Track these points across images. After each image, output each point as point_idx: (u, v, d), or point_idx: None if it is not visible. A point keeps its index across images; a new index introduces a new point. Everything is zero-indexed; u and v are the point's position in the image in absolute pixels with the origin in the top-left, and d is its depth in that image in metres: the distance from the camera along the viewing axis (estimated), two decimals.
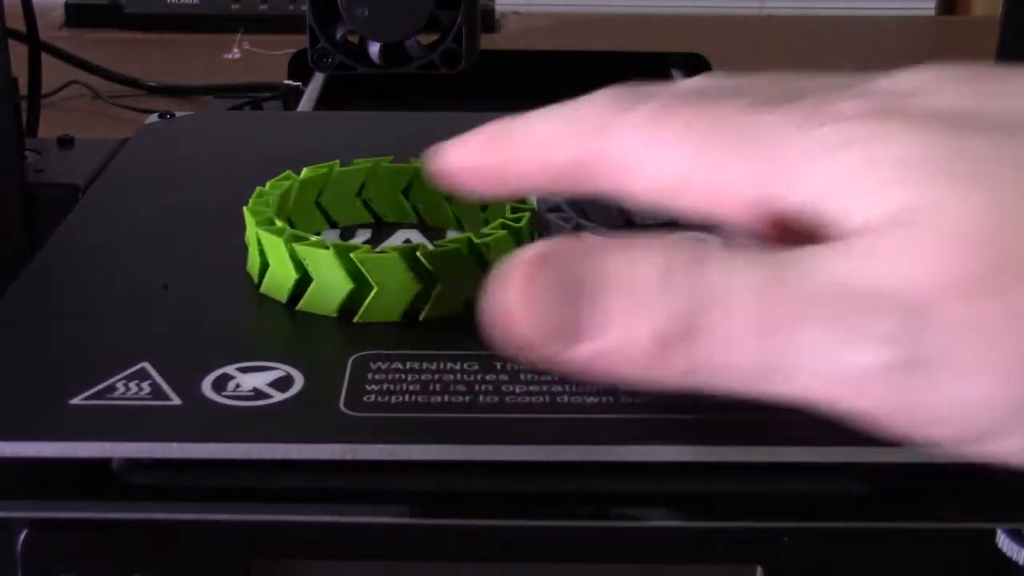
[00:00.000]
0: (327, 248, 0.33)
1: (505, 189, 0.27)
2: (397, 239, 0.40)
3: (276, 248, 0.34)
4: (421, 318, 0.33)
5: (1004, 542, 0.29)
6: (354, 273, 0.33)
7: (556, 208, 0.36)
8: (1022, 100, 0.22)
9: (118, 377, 0.30)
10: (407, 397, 0.30)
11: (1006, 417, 0.20)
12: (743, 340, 0.21)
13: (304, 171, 0.38)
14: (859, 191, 0.21)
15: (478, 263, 0.34)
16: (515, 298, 0.22)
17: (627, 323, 0.21)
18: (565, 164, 0.25)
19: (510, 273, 0.22)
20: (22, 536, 0.29)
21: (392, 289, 0.33)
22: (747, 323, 0.21)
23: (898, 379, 0.20)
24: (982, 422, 0.20)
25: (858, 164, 0.21)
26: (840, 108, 0.22)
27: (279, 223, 0.35)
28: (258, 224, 0.34)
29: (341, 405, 0.29)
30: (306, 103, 0.71)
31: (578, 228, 0.34)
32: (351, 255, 0.33)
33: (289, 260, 0.33)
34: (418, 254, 0.33)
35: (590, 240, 0.22)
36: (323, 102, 0.71)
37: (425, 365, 0.31)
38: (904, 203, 0.20)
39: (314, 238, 0.34)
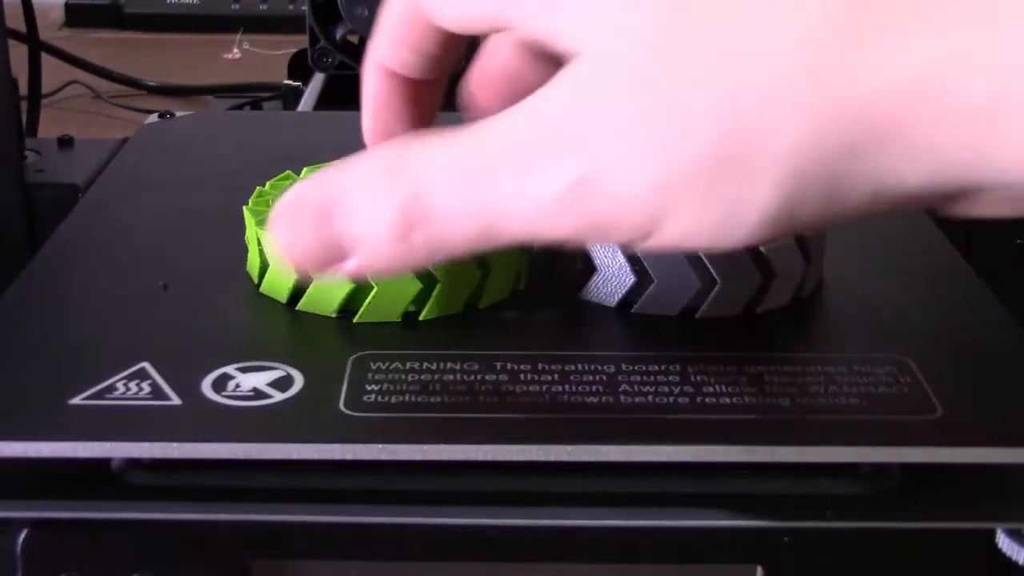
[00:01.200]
0: None
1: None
2: None
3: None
4: (421, 318, 0.33)
5: (1004, 542, 0.29)
6: None
7: None
8: None
9: (118, 377, 0.30)
10: (407, 397, 0.30)
11: (664, 201, 0.23)
12: (458, 210, 0.24)
13: (304, 171, 0.38)
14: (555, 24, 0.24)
15: (479, 264, 0.34)
16: (285, 242, 0.26)
17: (367, 233, 0.25)
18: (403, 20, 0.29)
19: (274, 221, 0.27)
20: (22, 536, 0.29)
21: (392, 289, 0.33)
22: (454, 194, 0.24)
23: (580, 194, 0.23)
24: (648, 211, 0.23)
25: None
26: None
27: None
28: (258, 224, 0.34)
29: (341, 405, 0.29)
30: (306, 103, 0.71)
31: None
32: None
33: None
34: None
35: (317, 176, 0.26)
36: (323, 102, 0.71)
37: (425, 365, 0.31)
38: (574, 42, 0.24)
39: None
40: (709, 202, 0.22)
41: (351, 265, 0.26)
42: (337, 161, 0.27)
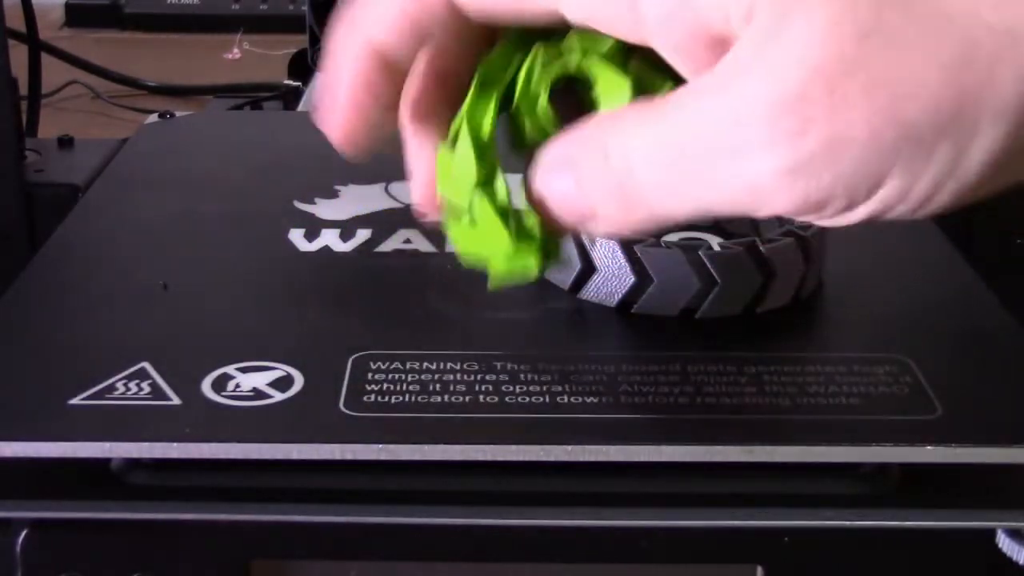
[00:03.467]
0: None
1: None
2: None
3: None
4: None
5: (1004, 542, 0.29)
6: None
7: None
8: None
9: (118, 377, 0.30)
10: (407, 397, 0.30)
11: (888, 165, 0.22)
12: (671, 192, 0.24)
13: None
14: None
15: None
16: (551, 190, 0.25)
17: (597, 205, 0.25)
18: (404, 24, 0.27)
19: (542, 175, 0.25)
20: (22, 536, 0.29)
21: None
22: (665, 175, 0.24)
23: (801, 168, 0.22)
24: (870, 178, 0.22)
25: None
26: None
27: None
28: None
29: (341, 405, 0.29)
30: (306, 103, 0.71)
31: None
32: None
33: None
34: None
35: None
36: None
37: (425, 365, 0.31)
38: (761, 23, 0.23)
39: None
40: (932, 160, 0.22)
41: (599, 229, 0.26)
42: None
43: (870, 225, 0.24)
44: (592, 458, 0.28)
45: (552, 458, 0.28)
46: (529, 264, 0.27)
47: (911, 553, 0.29)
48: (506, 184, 0.26)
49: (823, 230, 0.35)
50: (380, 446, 0.28)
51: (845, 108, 0.22)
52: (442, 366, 0.31)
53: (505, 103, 0.27)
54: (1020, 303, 0.35)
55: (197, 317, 0.34)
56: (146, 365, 0.31)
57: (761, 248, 0.33)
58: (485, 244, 0.26)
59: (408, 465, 0.28)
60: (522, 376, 0.30)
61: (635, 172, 0.24)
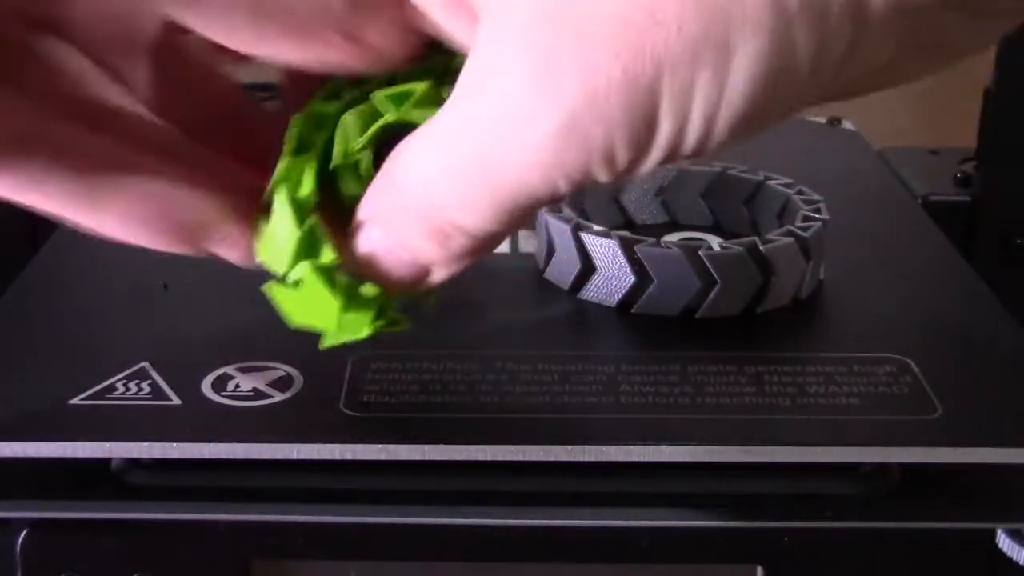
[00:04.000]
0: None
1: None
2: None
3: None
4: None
5: (1004, 542, 0.29)
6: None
7: (557, 210, 0.36)
8: None
9: (118, 377, 0.30)
10: (407, 397, 0.30)
11: (651, 101, 0.21)
12: (468, 198, 0.23)
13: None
14: None
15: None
16: (368, 247, 0.24)
17: (423, 254, 0.24)
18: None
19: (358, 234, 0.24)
20: (22, 536, 0.29)
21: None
22: (455, 185, 0.23)
23: (568, 127, 0.21)
24: (639, 118, 0.21)
25: None
26: None
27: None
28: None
29: (341, 405, 0.29)
30: None
31: (578, 228, 0.34)
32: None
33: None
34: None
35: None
36: None
37: (425, 365, 0.31)
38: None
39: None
40: (695, 91, 0.21)
41: (437, 277, 0.25)
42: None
43: (870, 225, 0.24)
44: (592, 458, 0.28)
45: (552, 458, 0.28)
46: (361, 329, 0.25)
47: (911, 553, 0.29)
48: (332, 247, 0.24)
49: (823, 230, 0.35)
50: (380, 446, 0.28)
51: (591, 51, 0.20)
52: (442, 366, 0.31)
53: (324, 163, 0.25)
54: (1020, 303, 0.35)
55: (197, 317, 0.34)
56: (146, 365, 0.31)
57: (761, 248, 0.34)
58: (312, 311, 0.25)
59: (408, 465, 0.28)
60: (522, 376, 0.30)
61: (434, 196, 0.23)
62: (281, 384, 0.30)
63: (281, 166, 0.25)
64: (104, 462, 0.29)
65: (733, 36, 0.20)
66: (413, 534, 0.29)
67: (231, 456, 0.28)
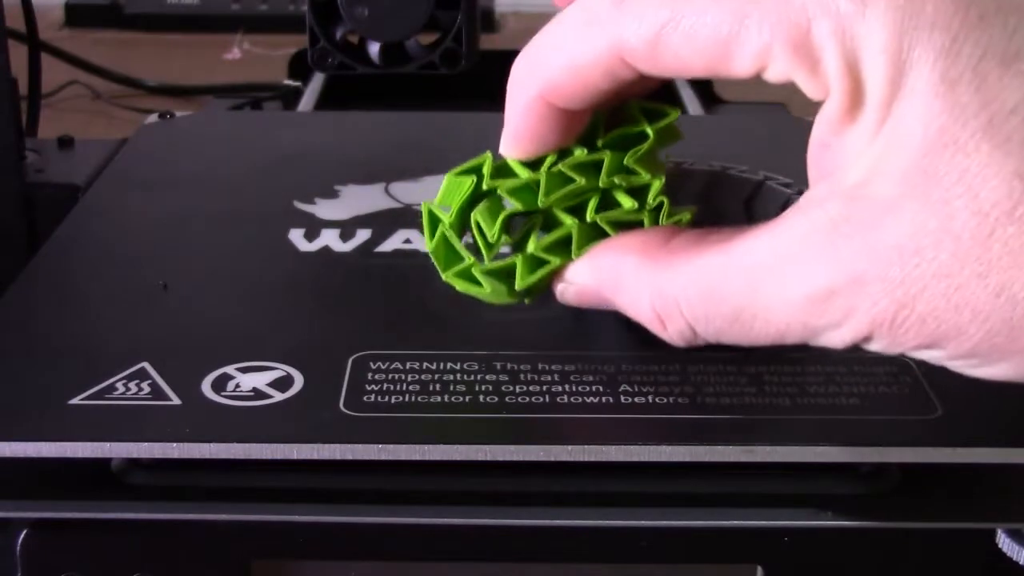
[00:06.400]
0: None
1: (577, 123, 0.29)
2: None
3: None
4: None
5: (1004, 542, 0.29)
6: None
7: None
8: None
9: (118, 377, 0.30)
10: (407, 397, 0.30)
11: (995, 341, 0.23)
12: (713, 319, 0.26)
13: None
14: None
15: None
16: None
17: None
18: (597, 65, 0.26)
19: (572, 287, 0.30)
20: (22, 536, 0.29)
21: None
22: (712, 308, 0.26)
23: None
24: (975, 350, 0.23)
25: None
26: None
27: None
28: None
29: (341, 405, 0.29)
30: (306, 103, 0.71)
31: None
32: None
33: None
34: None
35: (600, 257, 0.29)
36: (323, 102, 0.71)
37: (425, 365, 0.31)
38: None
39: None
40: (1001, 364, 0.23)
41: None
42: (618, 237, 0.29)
43: None
44: (592, 458, 0.28)
45: (552, 458, 0.28)
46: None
47: (911, 553, 0.29)
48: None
49: None
50: (380, 446, 0.28)
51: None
52: (442, 366, 0.31)
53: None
54: None
55: (197, 317, 0.34)
56: (146, 365, 0.31)
57: None
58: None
59: (408, 465, 0.28)
60: (522, 376, 0.30)
61: (690, 304, 0.26)
62: (281, 384, 0.30)
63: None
64: (104, 462, 0.29)
65: None
66: (413, 534, 0.29)
67: (231, 456, 0.28)
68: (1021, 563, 0.28)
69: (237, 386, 0.30)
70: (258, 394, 0.29)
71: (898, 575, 0.29)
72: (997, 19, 0.22)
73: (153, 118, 0.53)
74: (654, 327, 0.27)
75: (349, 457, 0.28)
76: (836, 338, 0.24)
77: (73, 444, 0.28)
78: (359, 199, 0.42)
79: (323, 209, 0.41)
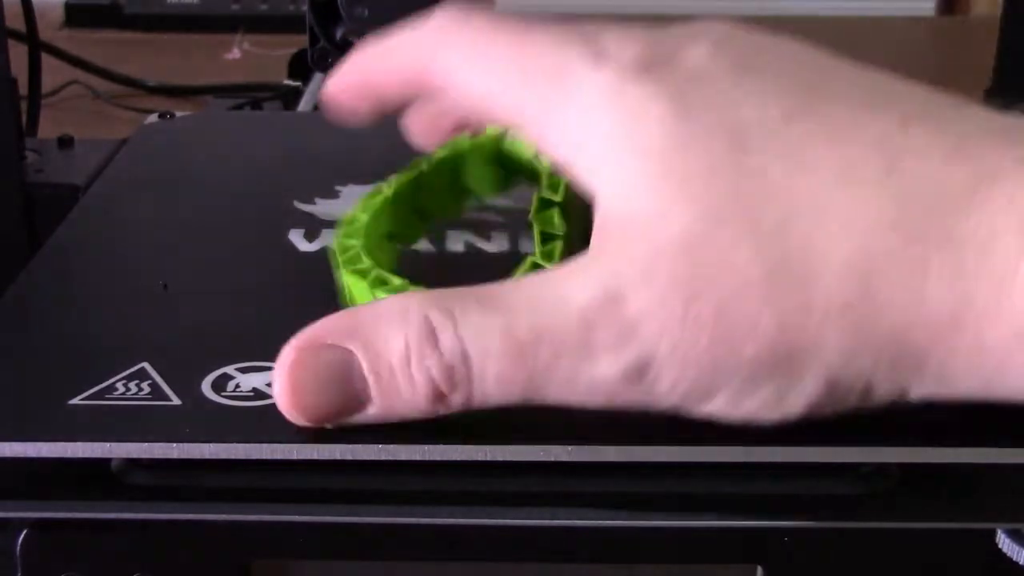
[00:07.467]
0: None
1: (376, 105, 0.32)
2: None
3: (363, 294, 0.32)
4: None
5: (1004, 542, 0.29)
6: None
7: None
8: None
9: (118, 377, 0.30)
10: None
11: (711, 388, 0.26)
12: (506, 382, 0.26)
13: (393, 180, 0.36)
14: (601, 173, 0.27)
15: None
16: (295, 395, 0.27)
17: (399, 391, 0.27)
18: (406, 79, 0.31)
19: (285, 369, 0.27)
20: (22, 536, 0.29)
21: None
22: (498, 372, 0.26)
23: (633, 379, 0.26)
24: (694, 397, 0.26)
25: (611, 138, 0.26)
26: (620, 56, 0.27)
27: (366, 261, 0.33)
28: (344, 265, 0.33)
29: None
30: (306, 103, 0.71)
31: None
32: None
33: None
34: None
35: (339, 323, 0.28)
36: None
37: None
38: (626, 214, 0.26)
39: (397, 281, 0.31)
40: (755, 393, 0.26)
41: (370, 415, 0.27)
42: (359, 306, 0.29)
43: None
44: (592, 458, 0.28)
45: (552, 458, 0.28)
46: None
47: (911, 553, 0.29)
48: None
49: None
50: (380, 446, 0.28)
51: (696, 328, 0.25)
52: None
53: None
54: None
55: (197, 317, 0.34)
56: (146, 365, 0.31)
57: None
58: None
59: (408, 465, 0.28)
60: None
61: (479, 360, 0.27)
62: None
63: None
64: (104, 462, 0.29)
65: (806, 371, 0.26)
66: (413, 534, 0.29)
67: (231, 456, 0.28)
68: (1021, 563, 0.28)
69: (237, 386, 0.30)
70: (258, 394, 0.29)
71: (898, 575, 0.29)
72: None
73: (153, 118, 0.53)
74: (425, 404, 0.27)
75: (349, 457, 0.28)
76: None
77: (73, 444, 0.28)
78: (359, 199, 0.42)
79: (323, 209, 0.41)
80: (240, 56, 0.97)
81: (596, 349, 0.26)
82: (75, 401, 0.29)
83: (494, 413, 0.29)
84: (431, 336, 0.26)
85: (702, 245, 0.25)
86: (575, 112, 0.27)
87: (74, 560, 0.29)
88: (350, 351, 0.27)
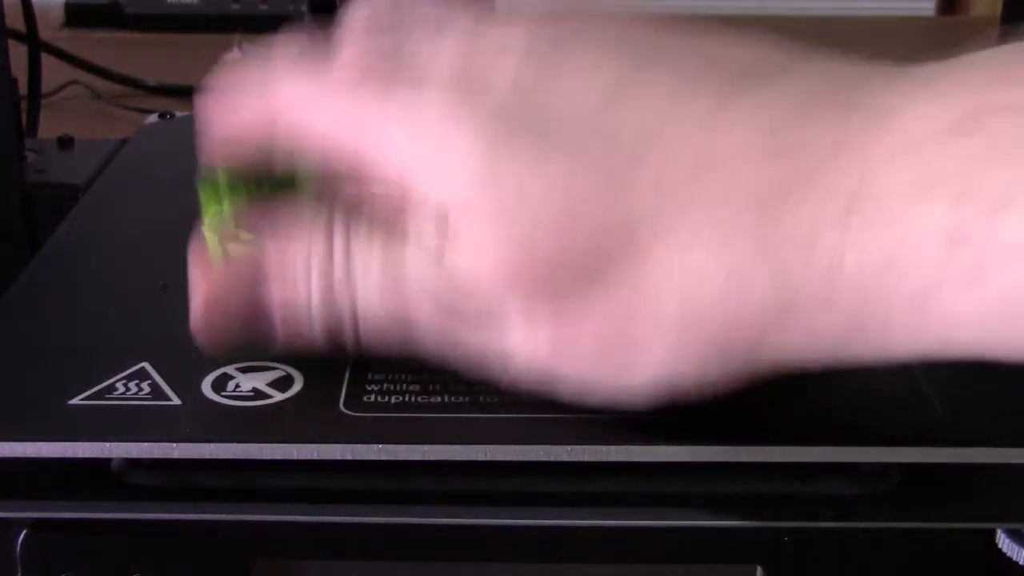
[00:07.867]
0: None
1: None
2: None
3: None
4: None
5: (1004, 542, 0.29)
6: None
7: None
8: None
9: (118, 377, 0.30)
10: (407, 397, 0.30)
11: (554, 369, 0.27)
12: (386, 329, 0.28)
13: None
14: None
15: None
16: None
17: (301, 331, 0.28)
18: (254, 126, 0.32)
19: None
20: (22, 536, 0.29)
21: None
22: (384, 316, 0.28)
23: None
24: (544, 375, 0.27)
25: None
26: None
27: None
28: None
29: (341, 405, 0.29)
30: None
31: None
32: None
33: None
34: None
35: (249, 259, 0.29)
36: None
37: (425, 365, 0.31)
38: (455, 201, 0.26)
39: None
40: (602, 368, 0.26)
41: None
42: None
43: None
44: (592, 458, 0.28)
45: (552, 458, 0.28)
46: None
47: (911, 553, 0.29)
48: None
49: None
50: (380, 446, 0.28)
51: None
52: (442, 366, 0.31)
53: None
54: None
55: None
56: (146, 365, 0.31)
57: None
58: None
59: (408, 465, 0.28)
60: None
61: (364, 305, 0.29)
62: (281, 384, 0.30)
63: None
64: (104, 462, 0.29)
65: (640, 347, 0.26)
66: (413, 534, 0.29)
67: (231, 456, 0.28)
68: (1021, 563, 0.28)
69: (237, 386, 0.30)
70: (258, 394, 0.29)
71: (898, 575, 0.29)
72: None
73: (153, 118, 0.53)
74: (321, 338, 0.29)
75: (349, 457, 0.28)
76: None
77: (73, 444, 0.28)
78: None
79: None
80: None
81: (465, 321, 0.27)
82: (75, 401, 0.29)
83: (495, 414, 0.29)
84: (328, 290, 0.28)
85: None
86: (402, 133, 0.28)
87: (74, 560, 0.29)
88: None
